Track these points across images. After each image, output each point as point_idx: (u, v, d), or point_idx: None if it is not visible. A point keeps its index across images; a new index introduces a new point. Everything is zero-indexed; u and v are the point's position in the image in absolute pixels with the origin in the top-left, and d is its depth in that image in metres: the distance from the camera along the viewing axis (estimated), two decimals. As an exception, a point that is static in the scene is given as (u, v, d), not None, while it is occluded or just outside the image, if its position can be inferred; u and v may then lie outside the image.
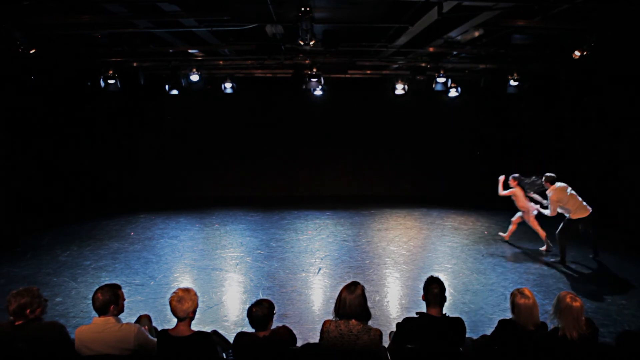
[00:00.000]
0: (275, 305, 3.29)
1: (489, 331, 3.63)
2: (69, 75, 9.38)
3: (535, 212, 7.67)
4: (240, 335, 3.19)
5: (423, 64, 9.01)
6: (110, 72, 8.40)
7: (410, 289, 6.22)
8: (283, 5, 5.65)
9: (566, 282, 6.45)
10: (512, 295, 3.29)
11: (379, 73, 10.58)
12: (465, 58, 8.93)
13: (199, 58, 8.92)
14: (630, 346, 3.00)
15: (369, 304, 3.24)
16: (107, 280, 6.14)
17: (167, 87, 9.75)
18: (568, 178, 7.40)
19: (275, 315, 3.27)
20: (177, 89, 9.61)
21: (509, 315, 3.42)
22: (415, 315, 3.38)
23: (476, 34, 6.54)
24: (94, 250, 7.79)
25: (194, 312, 3.15)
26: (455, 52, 8.18)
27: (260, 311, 3.13)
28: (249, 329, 3.23)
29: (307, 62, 8.84)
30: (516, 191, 7.84)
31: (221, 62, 9.22)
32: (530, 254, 7.72)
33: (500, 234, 8.60)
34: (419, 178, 13.05)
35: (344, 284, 3.31)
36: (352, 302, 3.12)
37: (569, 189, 7.05)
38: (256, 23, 6.43)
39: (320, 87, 9.12)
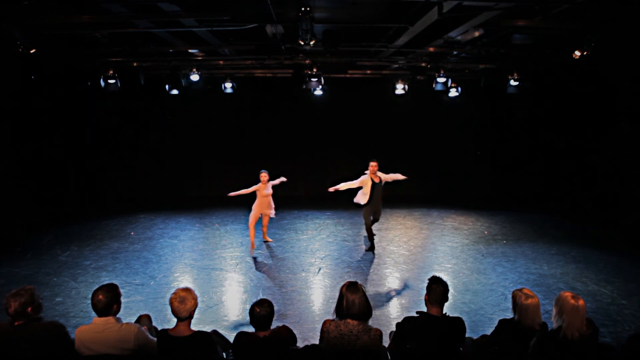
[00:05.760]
0: (274, 305, 3.29)
1: (489, 331, 3.63)
2: (69, 75, 9.38)
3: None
4: (240, 335, 3.19)
5: (423, 64, 9.01)
6: (110, 72, 8.42)
7: (410, 289, 6.22)
8: (283, 5, 5.66)
9: (566, 282, 6.45)
10: (515, 296, 3.27)
11: (379, 73, 10.58)
12: (465, 58, 8.93)
13: (199, 58, 8.92)
14: (636, 349, 2.98)
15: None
16: (107, 280, 6.13)
17: (167, 87, 9.76)
18: (568, 177, 7.38)
19: (274, 315, 3.27)
20: (177, 89, 9.63)
21: (509, 315, 3.42)
22: (415, 315, 3.37)
23: (476, 34, 6.55)
24: (94, 250, 7.79)
25: (194, 311, 3.15)
26: (455, 52, 8.18)
27: (263, 311, 3.13)
28: (249, 328, 3.23)
29: (307, 62, 8.84)
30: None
31: (221, 62, 9.22)
32: (530, 254, 7.72)
33: None
34: (419, 178, 13.03)
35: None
36: (359, 302, 3.10)
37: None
38: (256, 23, 6.43)
39: (320, 87, 9.12)
